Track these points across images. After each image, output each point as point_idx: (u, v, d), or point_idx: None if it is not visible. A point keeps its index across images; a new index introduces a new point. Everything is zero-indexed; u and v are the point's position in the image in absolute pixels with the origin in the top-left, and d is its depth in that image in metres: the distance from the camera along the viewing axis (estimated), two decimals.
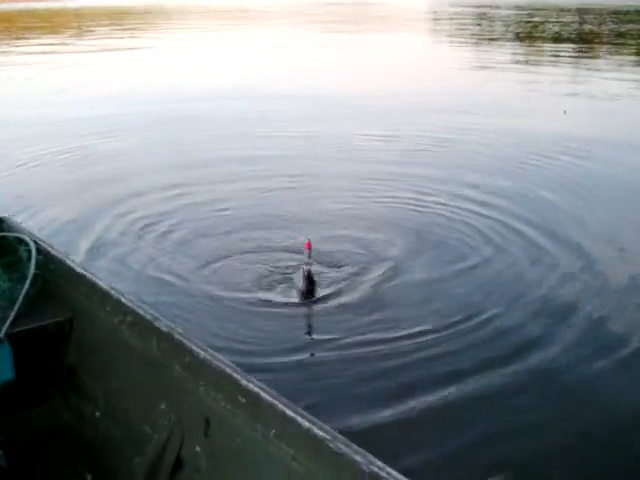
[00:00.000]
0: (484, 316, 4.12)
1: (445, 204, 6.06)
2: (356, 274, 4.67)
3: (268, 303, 4.29)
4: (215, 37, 26.62)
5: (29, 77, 15.00)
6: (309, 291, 4.33)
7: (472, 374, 3.52)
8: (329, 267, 4.76)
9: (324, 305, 4.28)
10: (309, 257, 4.31)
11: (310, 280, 4.33)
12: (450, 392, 3.38)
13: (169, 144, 8.46)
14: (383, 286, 4.54)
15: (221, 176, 6.99)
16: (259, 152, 7.92)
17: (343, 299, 4.34)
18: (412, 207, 6.05)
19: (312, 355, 3.79)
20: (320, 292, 4.37)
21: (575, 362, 3.67)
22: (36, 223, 5.36)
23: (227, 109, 10.76)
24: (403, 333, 3.94)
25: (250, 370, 1.84)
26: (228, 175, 7.02)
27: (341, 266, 4.79)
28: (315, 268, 4.46)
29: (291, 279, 4.53)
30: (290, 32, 27.33)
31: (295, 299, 4.33)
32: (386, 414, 3.20)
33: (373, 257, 4.97)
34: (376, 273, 4.70)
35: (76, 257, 4.52)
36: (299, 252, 4.51)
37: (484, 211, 5.88)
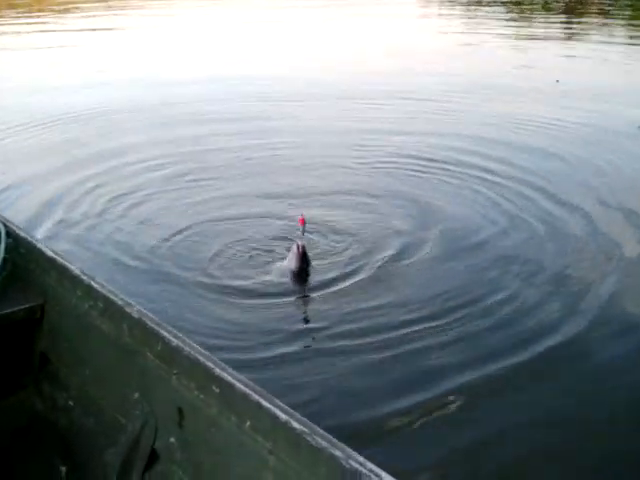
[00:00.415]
0: (501, 295, 3.90)
1: (450, 170, 5.90)
2: (358, 249, 4.41)
3: (258, 285, 4.03)
4: (202, 13, 26.15)
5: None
6: (303, 270, 4.06)
7: (492, 358, 3.32)
8: (325, 241, 4.53)
9: (322, 288, 4.00)
10: (303, 234, 4.08)
11: (304, 258, 4.06)
12: (472, 376, 3.19)
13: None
14: (389, 264, 4.27)
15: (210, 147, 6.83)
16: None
17: (345, 279, 4.07)
18: (417, 175, 5.88)
19: (308, 346, 3.51)
20: (317, 272, 4.10)
21: (600, 340, 3.51)
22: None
23: (214, 91, 10.47)
24: (413, 316, 3.68)
25: (238, 366, 1.74)
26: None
27: (340, 241, 4.54)
28: (313, 244, 4.27)
29: (281, 257, 4.27)
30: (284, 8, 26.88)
31: (287, 280, 4.07)
32: (401, 404, 3.02)
33: (376, 230, 4.72)
34: (380, 248, 4.42)
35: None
36: (291, 224, 4.32)
37: (490, 177, 5.72)
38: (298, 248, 4.03)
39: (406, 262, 4.32)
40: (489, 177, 5.75)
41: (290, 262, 4.11)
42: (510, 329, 3.60)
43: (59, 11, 22.65)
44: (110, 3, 23.78)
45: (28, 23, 19.29)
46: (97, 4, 23.94)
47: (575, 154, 6.37)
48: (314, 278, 4.08)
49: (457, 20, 19.23)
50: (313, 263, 4.16)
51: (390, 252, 4.42)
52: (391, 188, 5.57)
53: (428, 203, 5.27)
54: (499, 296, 3.89)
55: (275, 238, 4.61)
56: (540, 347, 3.42)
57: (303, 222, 4.01)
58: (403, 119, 7.80)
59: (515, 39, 15.16)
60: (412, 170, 6.02)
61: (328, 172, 6.01)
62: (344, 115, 8.03)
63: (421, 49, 13.23)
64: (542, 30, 16.27)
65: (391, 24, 18.37)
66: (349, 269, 4.19)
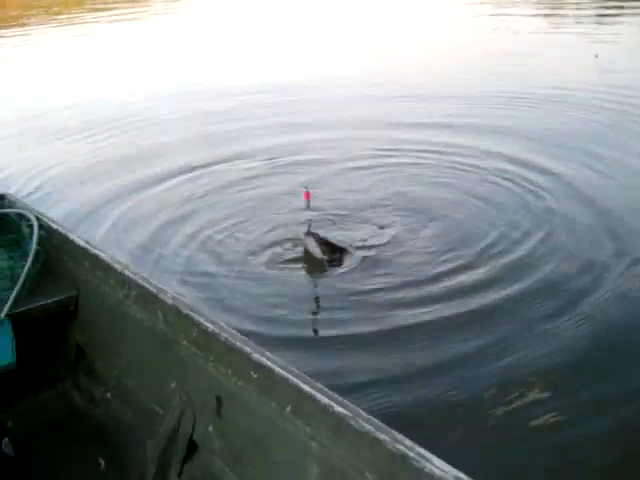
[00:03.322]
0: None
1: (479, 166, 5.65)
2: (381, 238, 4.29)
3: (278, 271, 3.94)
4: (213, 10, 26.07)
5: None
6: (332, 257, 3.89)
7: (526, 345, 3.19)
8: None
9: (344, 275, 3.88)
10: (308, 208, 3.90)
11: (324, 243, 3.84)
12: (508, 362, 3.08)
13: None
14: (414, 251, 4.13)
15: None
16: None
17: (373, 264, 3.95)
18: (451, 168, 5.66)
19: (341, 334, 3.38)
20: (344, 259, 3.97)
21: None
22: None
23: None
24: (451, 312, 3.49)
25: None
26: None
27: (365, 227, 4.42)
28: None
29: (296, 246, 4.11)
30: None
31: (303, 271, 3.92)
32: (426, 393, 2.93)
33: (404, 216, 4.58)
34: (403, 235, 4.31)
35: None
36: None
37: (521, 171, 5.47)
38: (314, 238, 3.84)
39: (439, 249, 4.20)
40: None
41: (313, 249, 3.89)
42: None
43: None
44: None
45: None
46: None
47: None
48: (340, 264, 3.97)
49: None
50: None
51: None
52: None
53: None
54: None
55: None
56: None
57: (308, 196, 3.87)
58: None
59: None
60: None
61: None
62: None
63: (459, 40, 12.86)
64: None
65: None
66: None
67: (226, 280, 3.93)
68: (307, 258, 3.93)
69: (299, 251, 4.07)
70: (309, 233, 3.85)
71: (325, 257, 3.86)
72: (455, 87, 8.44)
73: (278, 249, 4.22)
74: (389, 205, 4.87)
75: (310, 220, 3.92)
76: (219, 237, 4.46)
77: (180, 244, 4.44)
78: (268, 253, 4.18)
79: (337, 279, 3.85)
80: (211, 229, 4.59)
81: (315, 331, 3.48)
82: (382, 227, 4.42)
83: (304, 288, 3.83)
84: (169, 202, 5.19)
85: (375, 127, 6.89)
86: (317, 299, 3.71)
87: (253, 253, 4.21)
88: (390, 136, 6.50)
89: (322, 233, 4.00)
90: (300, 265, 3.99)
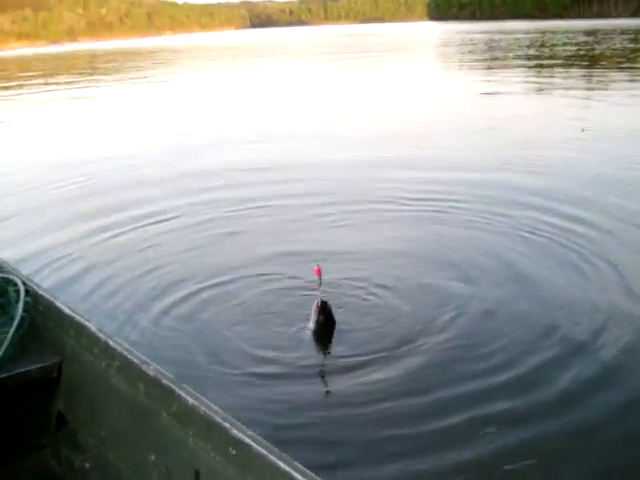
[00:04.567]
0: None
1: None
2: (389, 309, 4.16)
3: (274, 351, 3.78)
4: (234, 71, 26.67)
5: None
6: (324, 327, 3.87)
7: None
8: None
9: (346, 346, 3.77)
10: (320, 284, 3.93)
11: (326, 313, 3.87)
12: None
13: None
14: (427, 325, 3.97)
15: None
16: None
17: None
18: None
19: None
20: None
21: None
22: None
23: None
24: (462, 389, 3.31)
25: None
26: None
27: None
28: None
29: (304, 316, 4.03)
30: (317, 66, 27.25)
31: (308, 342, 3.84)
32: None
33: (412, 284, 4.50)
34: (414, 306, 4.17)
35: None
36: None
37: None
38: (317, 304, 3.89)
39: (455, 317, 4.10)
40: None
41: (311, 319, 3.93)
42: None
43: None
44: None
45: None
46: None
47: None
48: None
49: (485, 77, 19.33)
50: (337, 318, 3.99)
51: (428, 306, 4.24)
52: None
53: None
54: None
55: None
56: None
57: (319, 272, 3.92)
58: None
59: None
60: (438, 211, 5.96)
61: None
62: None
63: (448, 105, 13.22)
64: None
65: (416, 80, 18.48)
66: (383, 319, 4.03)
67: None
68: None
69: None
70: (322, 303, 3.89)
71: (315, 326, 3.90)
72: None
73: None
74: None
75: (320, 282, 3.90)
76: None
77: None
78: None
79: None
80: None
81: None
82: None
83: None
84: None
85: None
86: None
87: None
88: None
89: None
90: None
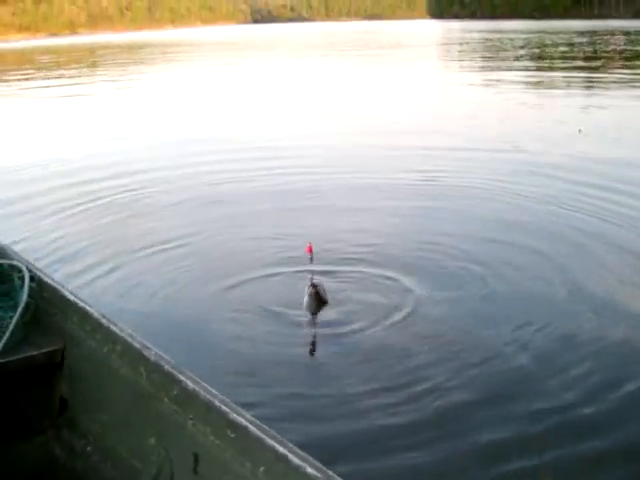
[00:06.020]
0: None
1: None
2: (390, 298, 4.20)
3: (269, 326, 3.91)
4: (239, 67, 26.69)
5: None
6: (318, 308, 3.95)
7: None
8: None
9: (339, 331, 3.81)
10: (311, 261, 3.99)
11: (318, 297, 3.92)
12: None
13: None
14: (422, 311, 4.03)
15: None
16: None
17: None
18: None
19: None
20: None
21: None
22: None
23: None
24: (453, 383, 3.31)
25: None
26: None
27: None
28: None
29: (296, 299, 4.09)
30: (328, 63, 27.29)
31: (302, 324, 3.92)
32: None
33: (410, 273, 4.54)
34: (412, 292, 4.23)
35: None
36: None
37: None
38: (311, 288, 3.95)
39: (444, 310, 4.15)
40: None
41: (304, 300, 4.00)
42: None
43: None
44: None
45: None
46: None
47: None
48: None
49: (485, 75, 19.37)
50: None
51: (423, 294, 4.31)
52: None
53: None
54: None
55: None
56: None
57: (310, 250, 3.98)
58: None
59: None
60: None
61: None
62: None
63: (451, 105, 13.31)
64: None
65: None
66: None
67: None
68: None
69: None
70: (312, 285, 3.97)
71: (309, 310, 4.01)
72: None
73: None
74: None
75: (312, 259, 4.01)
76: None
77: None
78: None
79: None
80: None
81: None
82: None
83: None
84: None
85: None
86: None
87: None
88: None
89: None
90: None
